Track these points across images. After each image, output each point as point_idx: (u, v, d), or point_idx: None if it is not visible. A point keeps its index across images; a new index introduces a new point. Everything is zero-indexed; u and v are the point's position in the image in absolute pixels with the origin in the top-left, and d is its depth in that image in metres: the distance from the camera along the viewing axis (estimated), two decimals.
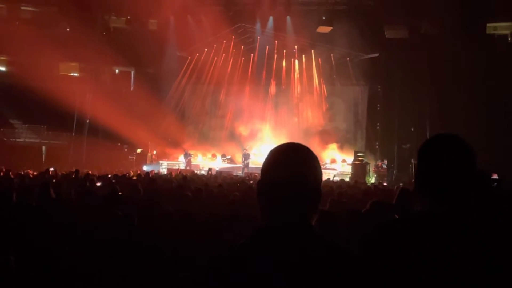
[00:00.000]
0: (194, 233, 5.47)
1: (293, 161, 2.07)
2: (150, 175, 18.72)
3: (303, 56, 33.54)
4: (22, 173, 17.87)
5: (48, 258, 4.83)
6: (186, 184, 12.70)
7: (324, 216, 5.05)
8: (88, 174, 16.84)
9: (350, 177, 27.02)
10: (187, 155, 31.38)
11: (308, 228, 2.03)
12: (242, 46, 33.52)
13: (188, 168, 29.87)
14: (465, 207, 2.21)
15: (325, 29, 28.92)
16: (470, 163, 2.32)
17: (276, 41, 32.68)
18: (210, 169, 27.15)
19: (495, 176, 18.39)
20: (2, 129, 32.55)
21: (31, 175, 17.61)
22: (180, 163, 31.72)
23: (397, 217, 4.40)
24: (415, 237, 2.19)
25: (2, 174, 15.95)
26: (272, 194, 2.04)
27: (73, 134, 32.74)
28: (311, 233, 2.02)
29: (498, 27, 28.21)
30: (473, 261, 2.09)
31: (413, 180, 2.49)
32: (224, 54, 33.70)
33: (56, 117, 29.96)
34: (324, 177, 23.82)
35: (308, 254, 1.94)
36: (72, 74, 34.30)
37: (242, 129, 33.20)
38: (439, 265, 2.11)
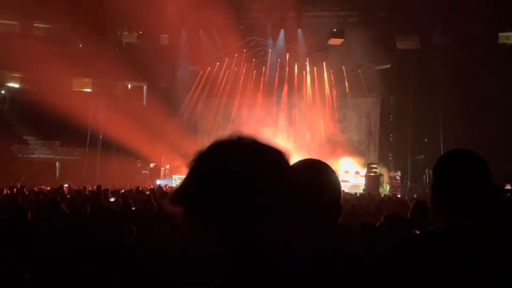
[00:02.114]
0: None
1: (312, 176, 2.05)
2: (164, 189, 18.73)
3: (315, 68, 33.51)
4: (36, 189, 17.92)
5: (61, 275, 4.83)
6: None
7: (338, 230, 5.00)
8: (102, 189, 16.86)
9: (363, 189, 26.95)
10: None
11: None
12: (254, 60, 33.58)
13: None
14: (484, 223, 2.20)
15: (336, 41, 28.95)
16: (486, 178, 2.31)
17: (287, 54, 32.72)
18: None
19: (508, 187, 18.21)
20: (16, 146, 32.69)
21: (45, 191, 17.67)
22: None
23: (417, 232, 4.37)
24: (440, 253, 2.17)
25: (15, 191, 15.98)
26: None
27: (87, 149, 32.83)
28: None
29: (510, 37, 28.09)
30: (499, 276, 2.08)
31: (429, 196, 2.46)
32: (235, 68, 33.77)
33: (69, 132, 30.08)
34: None
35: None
36: (85, 89, 34.53)
37: None
38: (465, 282, 2.09)
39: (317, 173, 2.08)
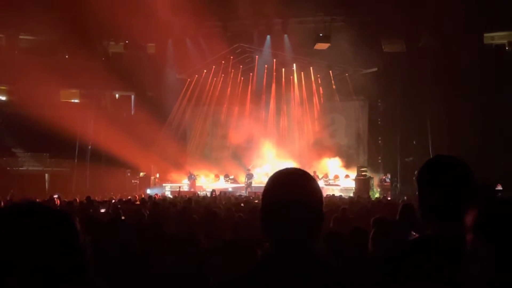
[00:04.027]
0: (198, 257, 5.44)
1: (293, 185, 2.08)
2: (154, 199, 18.67)
3: (302, 73, 33.62)
4: None
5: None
6: (192, 207, 12.65)
7: (329, 235, 5.02)
8: (91, 200, 16.79)
9: (353, 193, 27.00)
10: (191, 177, 31.37)
11: (314, 255, 2.02)
12: (241, 66, 33.64)
13: (192, 189, 29.81)
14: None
15: (323, 46, 29.01)
16: (470, 183, 2.33)
17: (274, 60, 32.79)
18: (213, 191, 27.15)
19: (499, 187, 18.32)
20: (5, 158, 32.55)
21: None
22: (183, 185, 31.69)
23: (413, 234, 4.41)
24: (430, 263, 2.19)
25: (2, 204, 15.85)
26: (275, 219, 2.05)
27: (76, 160, 32.71)
28: (317, 261, 2.01)
29: (496, 37, 28.24)
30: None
31: (416, 204, 2.50)
32: (223, 75, 33.84)
33: (58, 144, 29.99)
34: (329, 193, 23.81)
35: (314, 284, 1.94)
36: (72, 100, 34.38)
37: (244, 149, 33.22)
38: None
39: (297, 182, 2.11)
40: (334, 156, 32.16)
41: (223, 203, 16.00)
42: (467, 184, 2.34)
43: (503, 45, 28.17)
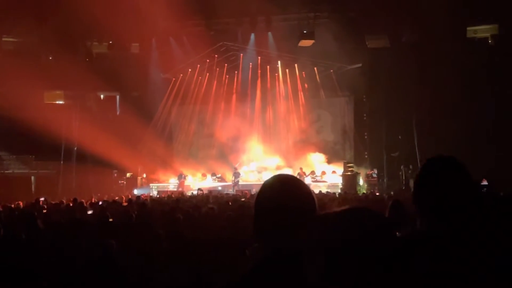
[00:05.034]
0: (185, 257, 5.44)
1: (286, 190, 2.17)
2: (142, 199, 18.61)
3: (287, 70, 33.63)
4: (13, 205, 17.68)
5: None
6: (179, 207, 12.63)
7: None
8: (77, 202, 16.70)
9: (341, 188, 27.09)
10: (181, 177, 31.31)
11: None
12: (226, 64, 33.65)
13: (180, 189, 29.75)
14: (465, 225, 2.26)
15: (307, 43, 29.00)
16: (467, 183, 2.37)
17: (259, 58, 32.82)
18: (200, 189, 27.10)
19: (484, 182, 18.44)
20: None
21: (21, 206, 17.46)
22: (170, 184, 31.65)
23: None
24: (424, 259, 2.21)
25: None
26: (270, 224, 2.09)
27: (62, 162, 32.52)
28: None
29: (478, 31, 28.34)
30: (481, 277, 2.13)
31: (414, 202, 2.54)
32: (208, 74, 33.83)
33: (43, 146, 29.83)
34: (316, 190, 23.86)
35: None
36: (57, 102, 34.13)
37: (230, 147, 33.23)
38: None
39: (290, 188, 2.16)
40: (321, 152, 32.23)
41: (211, 201, 16.01)
42: (465, 186, 2.38)
43: (486, 39, 28.28)
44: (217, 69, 33.55)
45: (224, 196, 20.78)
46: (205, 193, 23.77)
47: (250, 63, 33.28)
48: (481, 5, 25.84)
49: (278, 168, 30.51)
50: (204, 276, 4.99)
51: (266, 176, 25.11)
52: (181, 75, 34.04)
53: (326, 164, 31.76)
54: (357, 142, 32.96)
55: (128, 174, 33.19)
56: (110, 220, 9.47)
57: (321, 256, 1.66)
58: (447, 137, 23.50)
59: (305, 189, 2.21)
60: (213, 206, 11.25)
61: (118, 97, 35.85)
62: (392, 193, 21.39)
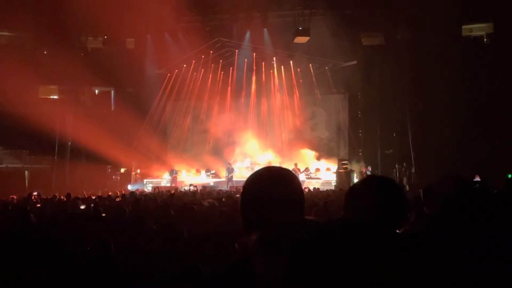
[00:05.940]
0: (178, 252, 5.44)
1: (274, 182, 2.15)
2: (135, 194, 18.60)
3: (282, 67, 33.64)
4: (7, 199, 17.61)
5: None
6: (172, 202, 12.63)
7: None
8: (71, 197, 16.67)
9: (335, 185, 27.12)
10: (173, 172, 31.27)
11: None
12: (221, 61, 33.62)
13: (173, 185, 29.71)
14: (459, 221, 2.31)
15: (302, 40, 29.00)
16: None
17: (254, 54, 32.78)
18: (191, 185, 27.05)
19: (477, 178, 18.49)
20: None
21: (15, 201, 17.40)
22: (163, 180, 31.63)
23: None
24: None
25: None
26: (258, 215, 2.09)
27: (56, 157, 32.40)
28: None
29: (474, 29, 28.36)
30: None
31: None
32: (203, 70, 33.77)
33: (37, 141, 29.74)
34: (310, 187, 23.90)
35: None
36: (51, 96, 33.99)
37: (225, 143, 33.22)
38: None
39: (277, 178, 2.18)
40: (315, 149, 32.25)
41: (205, 198, 16.00)
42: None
43: (481, 37, 28.32)
44: (212, 65, 33.52)
45: (215, 192, 20.80)
46: (193, 190, 23.81)
47: (246, 60, 33.24)
48: (476, 4, 25.89)
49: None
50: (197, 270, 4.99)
51: None
52: (176, 70, 33.98)
53: (316, 160, 31.78)
54: (351, 139, 32.99)
55: (122, 170, 33.17)
56: (103, 215, 9.46)
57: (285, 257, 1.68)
58: (441, 134, 23.56)
59: (295, 181, 2.19)
60: (213, 201, 11.27)
61: (113, 92, 35.72)
62: None
